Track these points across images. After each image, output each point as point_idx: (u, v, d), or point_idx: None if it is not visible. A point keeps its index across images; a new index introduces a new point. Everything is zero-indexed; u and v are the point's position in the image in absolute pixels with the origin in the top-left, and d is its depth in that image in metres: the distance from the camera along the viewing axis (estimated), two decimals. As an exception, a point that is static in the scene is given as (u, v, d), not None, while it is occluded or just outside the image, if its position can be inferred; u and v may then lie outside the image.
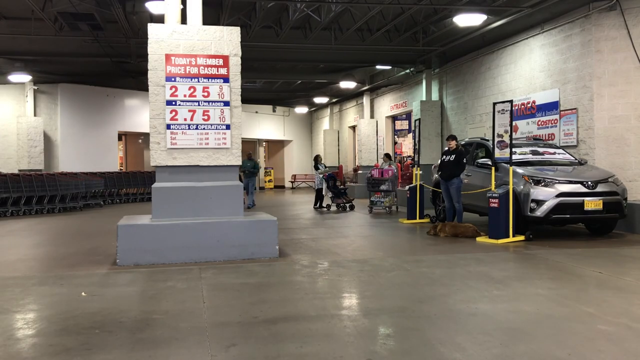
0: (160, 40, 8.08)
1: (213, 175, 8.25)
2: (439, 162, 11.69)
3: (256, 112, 30.42)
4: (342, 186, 16.74)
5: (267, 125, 31.65)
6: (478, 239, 9.55)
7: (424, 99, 18.96)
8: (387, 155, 18.03)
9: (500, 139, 9.69)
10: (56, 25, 14.46)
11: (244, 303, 5.51)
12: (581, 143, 11.87)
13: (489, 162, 10.27)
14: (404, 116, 23.28)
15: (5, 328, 4.79)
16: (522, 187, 9.44)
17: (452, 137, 11.32)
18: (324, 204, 16.63)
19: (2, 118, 21.33)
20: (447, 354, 3.98)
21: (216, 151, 8.22)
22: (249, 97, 26.02)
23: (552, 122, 12.81)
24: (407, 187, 13.69)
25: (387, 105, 23.25)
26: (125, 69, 20.09)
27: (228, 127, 8.25)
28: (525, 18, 12.80)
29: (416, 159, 13.47)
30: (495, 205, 9.24)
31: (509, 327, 4.61)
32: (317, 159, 17.73)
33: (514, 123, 11.29)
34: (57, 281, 6.71)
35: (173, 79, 8.07)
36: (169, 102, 8.05)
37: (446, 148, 11.45)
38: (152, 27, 8.11)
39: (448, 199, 11.10)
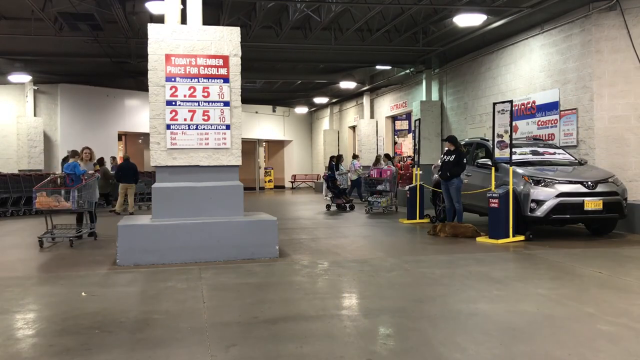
0: (160, 40, 8.08)
1: (213, 175, 8.25)
2: (440, 162, 11.69)
3: (256, 112, 30.42)
4: (342, 186, 16.74)
5: (267, 125, 31.65)
6: (478, 239, 9.55)
7: (424, 99, 18.97)
8: (386, 156, 18.09)
9: (500, 139, 9.69)
10: (56, 25, 14.46)
11: (244, 303, 5.51)
12: (581, 143, 11.87)
13: (489, 162, 10.27)
14: (404, 116, 23.28)
15: (5, 328, 4.79)
16: (522, 187, 9.43)
17: (450, 140, 11.26)
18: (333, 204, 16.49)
19: (2, 118, 21.31)
20: (447, 354, 3.98)
21: (216, 151, 8.22)
22: (249, 97, 26.01)
23: (552, 122, 12.81)
24: (407, 187, 13.69)
25: (387, 105, 23.26)
26: (125, 69, 20.09)
27: (228, 127, 8.25)
28: (525, 18, 12.81)
29: (416, 159, 13.47)
30: (495, 205, 9.24)
31: (509, 327, 4.61)
32: (339, 159, 17.87)
33: (514, 123, 11.30)
34: (57, 281, 6.71)
35: (173, 79, 8.07)
36: (169, 102, 8.05)
37: (446, 148, 11.44)
38: (152, 27, 8.11)
39: (448, 199, 11.09)
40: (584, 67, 11.82)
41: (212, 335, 4.47)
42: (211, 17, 13.15)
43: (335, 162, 17.48)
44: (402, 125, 24.49)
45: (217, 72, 8.21)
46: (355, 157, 20.34)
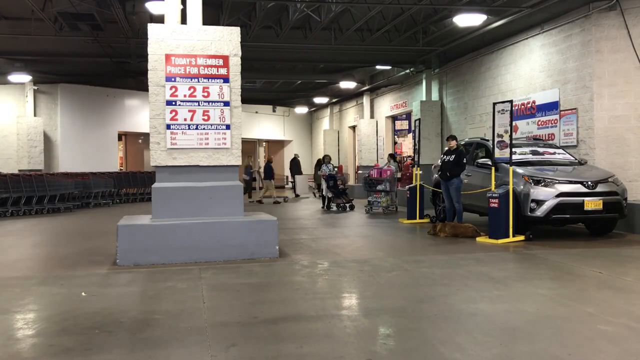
0: (160, 40, 8.08)
1: (213, 175, 8.25)
2: (440, 162, 11.70)
3: (256, 112, 30.41)
4: (342, 186, 16.73)
5: (267, 125, 31.64)
6: (478, 239, 9.55)
7: (424, 99, 18.96)
8: (390, 155, 18.07)
9: (500, 139, 9.69)
10: (56, 25, 14.45)
11: (244, 303, 5.51)
12: (581, 143, 11.87)
13: (489, 162, 10.27)
14: (404, 116, 23.27)
15: (5, 328, 4.79)
16: (522, 187, 9.43)
17: (452, 137, 11.34)
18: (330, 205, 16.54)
19: (2, 118, 21.31)
20: (447, 354, 3.98)
21: (216, 151, 8.22)
22: (249, 97, 26.00)
23: (552, 122, 12.80)
24: (407, 187, 13.69)
25: (387, 105, 23.25)
26: (125, 69, 20.09)
27: (228, 127, 8.25)
28: (525, 18, 12.80)
29: (416, 159, 13.47)
30: (495, 205, 9.24)
31: (509, 327, 4.61)
32: (324, 160, 17.75)
33: (514, 123, 11.29)
34: (57, 281, 6.71)
35: (173, 79, 8.07)
36: (169, 102, 8.05)
37: (446, 148, 11.45)
38: (152, 27, 8.11)
39: (448, 199, 11.10)
40: (584, 67, 11.82)
41: (212, 335, 4.47)
42: (211, 17, 13.15)
43: (322, 162, 17.57)
44: (402, 125, 24.48)
45: (217, 72, 8.21)
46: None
